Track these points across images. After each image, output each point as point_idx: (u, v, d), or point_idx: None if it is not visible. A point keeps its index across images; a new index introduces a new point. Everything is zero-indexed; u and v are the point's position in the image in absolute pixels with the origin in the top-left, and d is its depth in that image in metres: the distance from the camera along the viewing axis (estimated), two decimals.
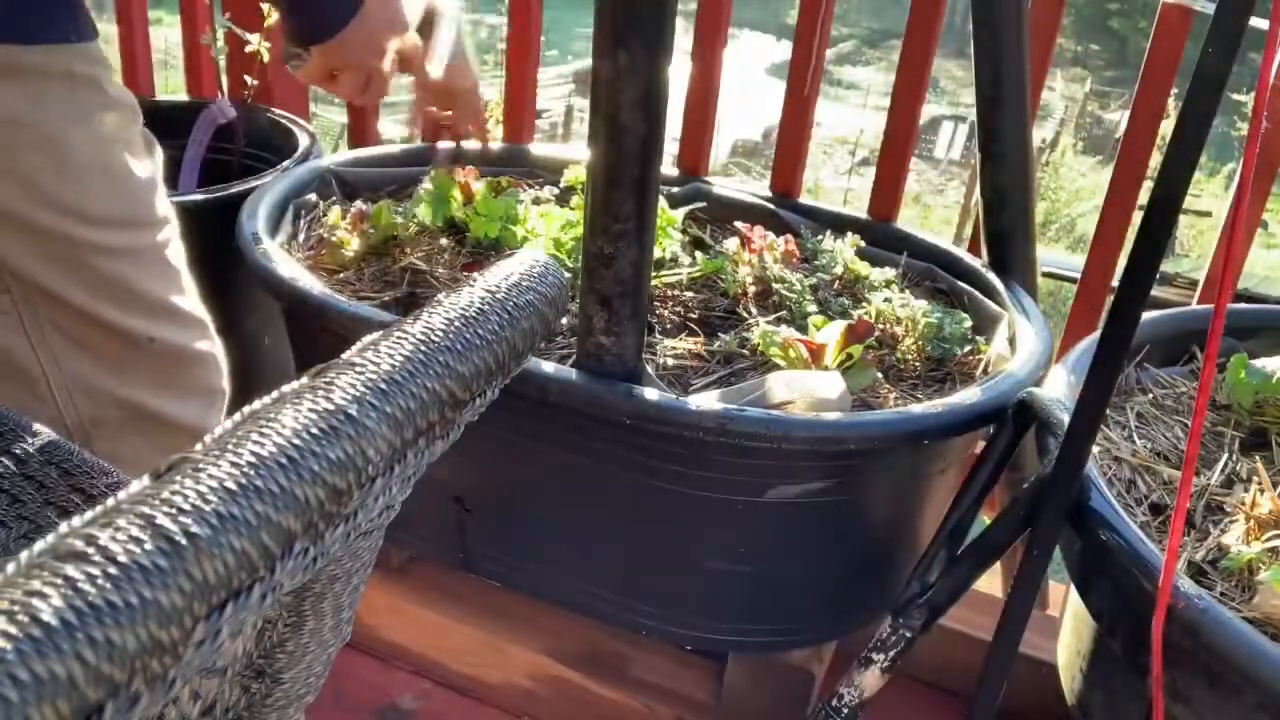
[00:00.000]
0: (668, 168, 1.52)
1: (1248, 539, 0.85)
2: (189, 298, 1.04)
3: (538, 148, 1.58)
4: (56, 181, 0.86)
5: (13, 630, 0.23)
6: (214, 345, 1.08)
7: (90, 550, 0.25)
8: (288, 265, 1.14)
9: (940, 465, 1.09)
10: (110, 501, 0.28)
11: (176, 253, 1.01)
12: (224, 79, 1.74)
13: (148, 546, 0.26)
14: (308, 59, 1.03)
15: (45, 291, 0.90)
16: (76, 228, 0.88)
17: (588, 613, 1.21)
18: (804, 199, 1.50)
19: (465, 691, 1.36)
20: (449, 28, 1.11)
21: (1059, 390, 0.96)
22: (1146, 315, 0.84)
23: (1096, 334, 0.81)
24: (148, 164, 0.96)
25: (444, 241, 1.31)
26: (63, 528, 0.26)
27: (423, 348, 0.38)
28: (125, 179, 0.92)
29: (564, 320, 1.07)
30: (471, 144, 1.44)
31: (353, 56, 1.03)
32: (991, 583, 1.40)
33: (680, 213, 1.34)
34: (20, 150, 0.84)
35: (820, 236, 1.35)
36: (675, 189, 1.46)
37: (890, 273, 1.29)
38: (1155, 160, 1.00)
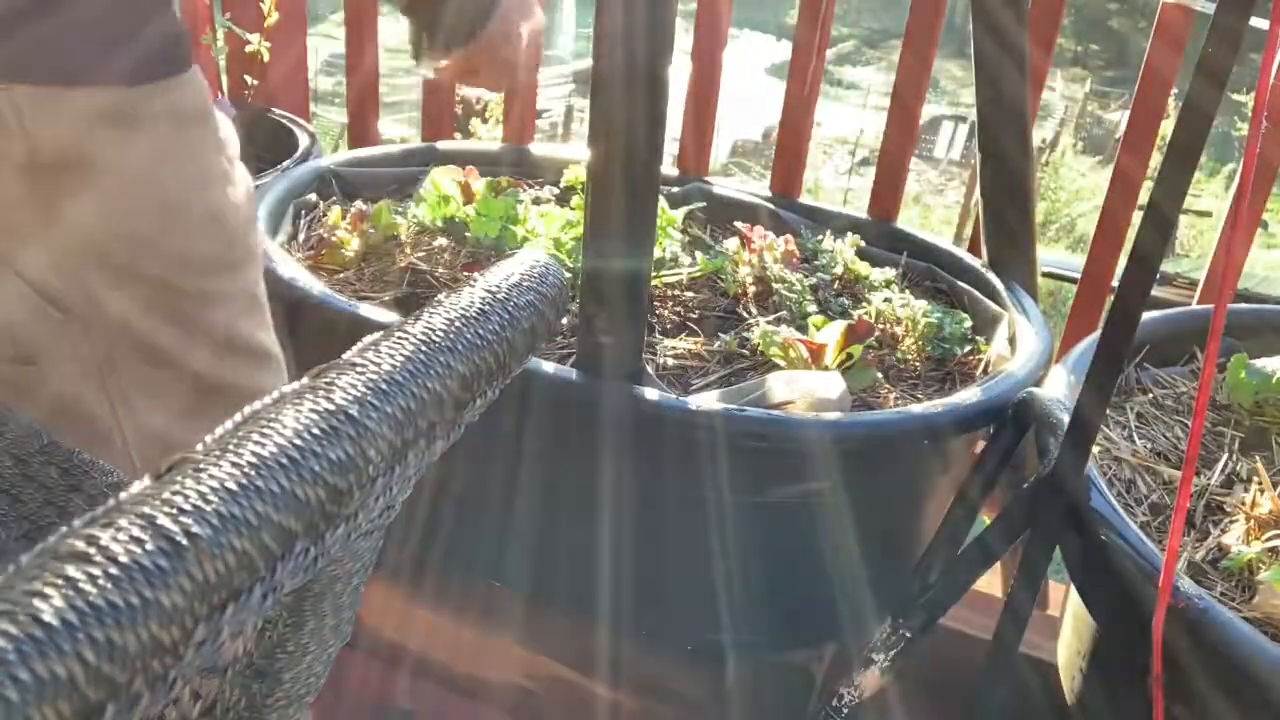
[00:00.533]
0: (668, 168, 1.52)
1: (1248, 539, 0.85)
2: (270, 332, 0.99)
3: (538, 148, 1.58)
4: (164, 229, 0.81)
5: (14, 630, 0.23)
6: (283, 381, 1.03)
7: (91, 550, 0.25)
8: (288, 265, 1.14)
9: (940, 465, 1.09)
10: (111, 502, 0.28)
11: (264, 288, 0.97)
12: (224, 79, 1.74)
13: (149, 547, 0.26)
14: (445, 60, 1.02)
15: (135, 340, 0.83)
16: (178, 273, 0.82)
17: (589, 613, 1.21)
18: (804, 199, 1.50)
19: (465, 691, 1.36)
20: (568, 6, 1.11)
21: (1059, 390, 0.96)
22: (1146, 315, 0.84)
23: (1096, 334, 0.81)
24: (247, 197, 0.92)
25: (444, 241, 1.31)
26: (63, 528, 0.26)
27: (424, 348, 0.38)
28: (228, 219, 0.85)
29: (564, 320, 1.07)
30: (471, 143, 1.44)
31: (495, 50, 1.02)
32: (991, 583, 1.40)
33: (680, 213, 1.34)
34: (130, 202, 0.79)
35: (820, 236, 1.35)
36: (675, 189, 1.46)
37: (890, 273, 1.29)
38: (1155, 160, 1.00)
